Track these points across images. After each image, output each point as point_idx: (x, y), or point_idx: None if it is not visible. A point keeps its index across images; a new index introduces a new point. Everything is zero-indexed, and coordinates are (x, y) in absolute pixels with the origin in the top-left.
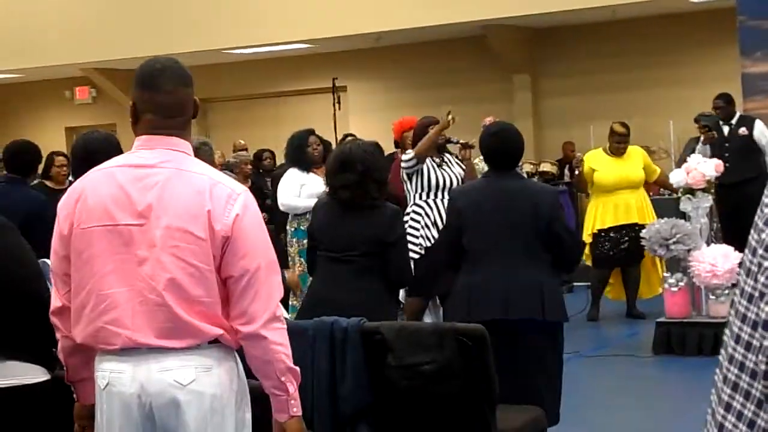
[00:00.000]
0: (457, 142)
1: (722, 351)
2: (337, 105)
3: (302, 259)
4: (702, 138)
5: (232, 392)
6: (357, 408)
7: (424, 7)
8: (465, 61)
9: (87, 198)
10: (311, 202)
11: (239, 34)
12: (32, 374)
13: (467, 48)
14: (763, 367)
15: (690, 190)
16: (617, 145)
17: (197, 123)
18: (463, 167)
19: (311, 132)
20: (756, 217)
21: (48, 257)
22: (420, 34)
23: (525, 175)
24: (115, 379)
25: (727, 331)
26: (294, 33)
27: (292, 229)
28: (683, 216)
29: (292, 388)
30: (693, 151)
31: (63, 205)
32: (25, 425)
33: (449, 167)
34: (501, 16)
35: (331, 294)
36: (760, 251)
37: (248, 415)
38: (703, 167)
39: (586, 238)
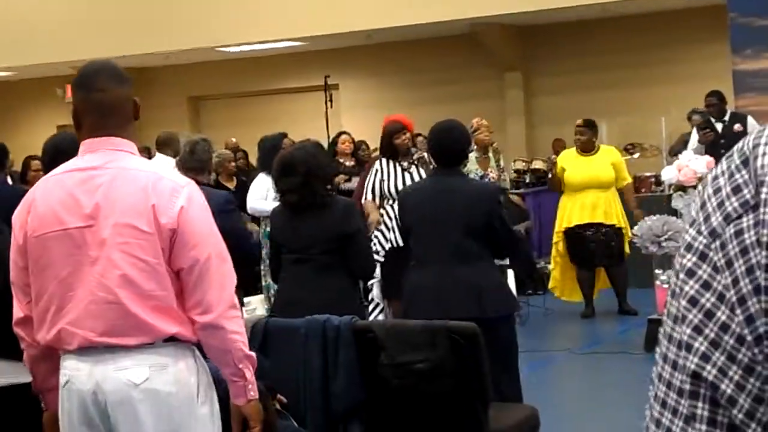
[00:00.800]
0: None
1: (653, 369)
2: (329, 103)
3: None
4: (699, 137)
5: (191, 389)
6: (349, 406)
7: (415, 5)
8: (457, 58)
9: (38, 206)
10: (269, 206)
11: (232, 31)
12: (22, 374)
13: (459, 45)
14: (687, 387)
15: (682, 187)
16: (576, 137)
17: (188, 120)
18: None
19: (284, 135)
20: (680, 241)
21: None
22: (412, 31)
23: (502, 173)
24: (74, 377)
25: (657, 349)
26: (286, 30)
27: (264, 231)
28: (675, 213)
29: (249, 373)
30: (685, 144)
31: (16, 215)
32: (15, 424)
33: (417, 172)
34: (492, 14)
35: (297, 295)
36: (681, 275)
37: (215, 408)
38: (695, 164)
39: (555, 236)
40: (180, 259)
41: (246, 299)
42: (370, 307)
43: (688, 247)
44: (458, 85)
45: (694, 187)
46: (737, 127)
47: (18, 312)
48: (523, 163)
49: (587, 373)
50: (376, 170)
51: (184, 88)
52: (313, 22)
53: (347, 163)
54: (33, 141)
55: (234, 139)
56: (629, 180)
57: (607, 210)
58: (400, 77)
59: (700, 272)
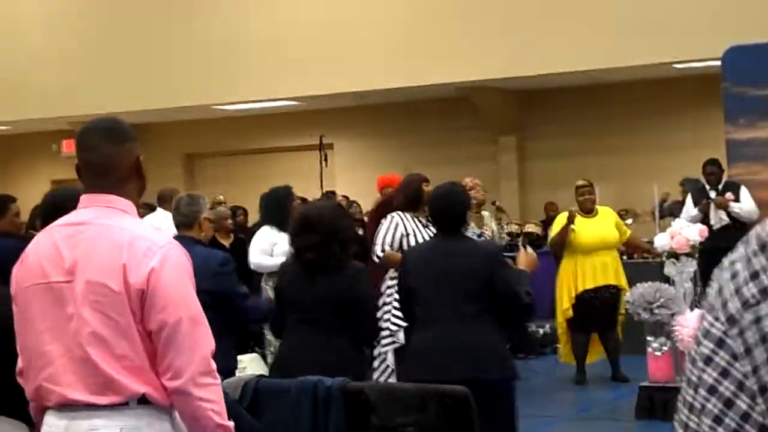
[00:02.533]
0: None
1: None
2: (324, 162)
3: None
4: (699, 206)
5: None
6: None
7: (411, 68)
8: (451, 121)
9: (28, 258)
10: (277, 261)
11: (228, 89)
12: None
13: (453, 108)
14: None
15: (674, 254)
16: (582, 198)
17: (184, 177)
18: None
19: (290, 188)
20: (697, 329)
21: None
22: (407, 93)
23: (492, 235)
24: None
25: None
26: (282, 90)
27: (268, 287)
28: (667, 280)
29: None
30: (673, 211)
31: (15, 267)
32: None
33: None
34: (487, 78)
35: (299, 355)
36: (700, 363)
37: None
38: (688, 231)
39: (569, 301)
40: (149, 321)
41: (238, 357)
42: (384, 375)
43: (706, 334)
44: (452, 148)
45: (687, 254)
46: (729, 195)
47: (19, 362)
48: (516, 227)
49: None
50: (397, 223)
51: (180, 145)
52: (308, 82)
53: None
54: (28, 195)
55: (221, 196)
56: (628, 231)
57: (616, 270)
58: (394, 138)
59: (717, 359)
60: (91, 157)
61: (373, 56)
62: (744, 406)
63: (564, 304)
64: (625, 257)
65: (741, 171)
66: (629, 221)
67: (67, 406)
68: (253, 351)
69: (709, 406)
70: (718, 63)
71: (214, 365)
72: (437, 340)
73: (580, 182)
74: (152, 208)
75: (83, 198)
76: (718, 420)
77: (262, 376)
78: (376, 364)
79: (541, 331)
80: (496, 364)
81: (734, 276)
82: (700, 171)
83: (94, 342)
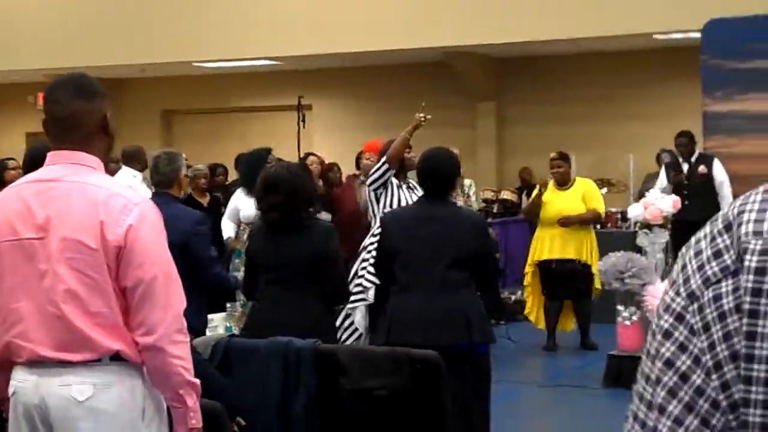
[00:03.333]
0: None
1: (624, 425)
2: (301, 123)
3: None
4: (669, 177)
5: (135, 411)
6: (309, 430)
7: (392, 31)
8: (430, 86)
9: None
10: (229, 233)
11: (208, 47)
12: None
13: (433, 73)
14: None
15: (647, 225)
16: (552, 171)
17: (161, 134)
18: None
19: (269, 150)
20: (657, 304)
21: None
22: (387, 57)
23: (475, 202)
24: (21, 389)
25: (630, 404)
26: (263, 49)
27: (234, 251)
28: (639, 250)
29: (191, 400)
30: (650, 187)
31: None
32: None
33: (414, 191)
34: (467, 44)
35: (271, 316)
36: (658, 337)
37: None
38: (661, 203)
39: (527, 268)
40: (125, 278)
41: (209, 316)
42: (347, 333)
43: (666, 308)
44: (431, 113)
45: (660, 225)
46: (702, 168)
47: None
48: (492, 193)
49: (546, 407)
50: (398, 186)
51: (158, 101)
52: (290, 42)
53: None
54: (2, 147)
55: (184, 155)
56: (599, 209)
57: (578, 246)
58: (373, 101)
59: (676, 334)
60: (58, 111)
61: (355, 19)
62: (699, 381)
63: (526, 267)
64: (598, 227)
65: (717, 144)
66: (604, 191)
67: (38, 363)
68: (224, 309)
69: (665, 378)
70: (698, 35)
71: (184, 322)
72: (428, 305)
73: (553, 155)
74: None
75: (50, 155)
76: (672, 393)
77: (232, 335)
78: (340, 320)
79: (513, 297)
80: (481, 329)
81: (698, 254)
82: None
83: (69, 299)
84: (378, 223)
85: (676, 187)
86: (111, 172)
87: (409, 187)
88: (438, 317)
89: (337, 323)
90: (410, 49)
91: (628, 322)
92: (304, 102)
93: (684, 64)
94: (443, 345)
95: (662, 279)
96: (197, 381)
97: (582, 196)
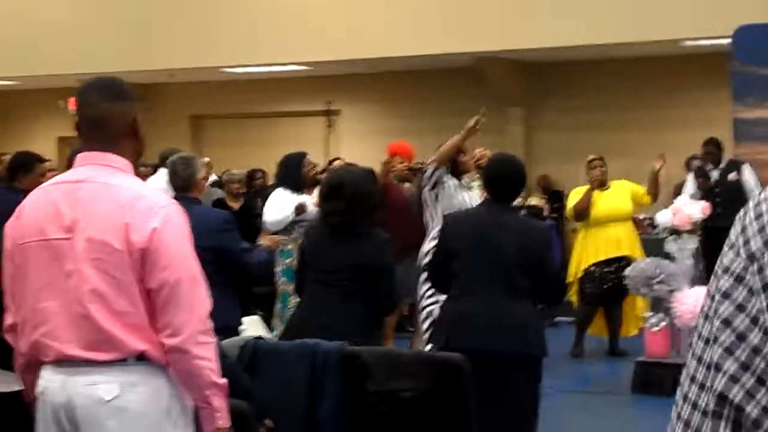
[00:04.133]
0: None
1: (678, 390)
2: (330, 128)
3: (286, 279)
4: (697, 184)
5: (160, 410)
6: None
7: (421, 36)
8: (459, 91)
9: (24, 214)
10: (286, 212)
11: (236, 52)
12: (10, 383)
13: (462, 78)
14: (711, 407)
15: (676, 231)
16: (594, 170)
17: (190, 138)
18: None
19: (305, 154)
20: (716, 265)
21: None
22: (416, 62)
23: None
24: (48, 388)
25: (684, 371)
26: (291, 55)
27: (281, 269)
28: (668, 256)
29: (218, 401)
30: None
31: (8, 223)
32: None
33: (469, 190)
34: (497, 49)
35: (316, 317)
36: (717, 296)
37: None
38: (690, 209)
39: (578, 273)
40: (150, 280)
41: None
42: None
43: (725, 269)
44: (459, 118)
45: (689, 231)
46: (732, 176)
47: (8, 319)
48: (520, 199)
49: (573, 413)
50: (457, 186)
51: (187, 106)
52: (318, 47)
53: None
54: (36, 151)
55: (207, 158)
56: (647, 197)
57: (630, 242)
58: (402, 106)
59: (735, 294)
60: (87, 113)
61: (384, 24)
62: (756, 341)
63: (579, 274)
64: None
65: (747, 150)
66: None
67: (65, 362)
68: (254, 313)
69: (723, 337)
70: (728, 41)
71: (210, 324)
72: (492, 310)
73: (591, 156)
74: (156, 169)
75: (80, 156)
76: (729, 351)
77: (260, 337)
78: (421, 318)
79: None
80: (539, 339)
81: (758, 216)
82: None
83: (95, 299)
84: (438, 224)
85: (705, 194)
86: (141, 176)
87: (466, 187)
88: (501, 323)
89: (420, 322)
90: (439, 55)
91: (656, 329)
92: (332, 107)
93: (714, 71)
94: (501, 351)
95: (690, 285)
96: (224, 381)
97: (629, 193)
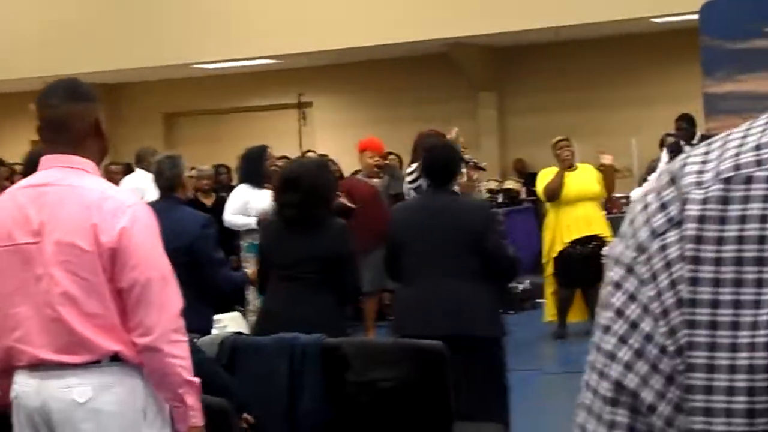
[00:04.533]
0: (470, 162)
1: (582, 378)
2: (302, 121)
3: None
4: (669, 160)
5: (136, 411)
6: (316, 424)
7: (390, 24)
8: (431, 78)
9: None
10: (249, 220)
11: (206, 48)
12: None
13: (433, 65)
14: (610, 394)
15: None
16: (560, 151)
17: (163, 136)
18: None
19: (266, 147)
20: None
21: None
22: (386, 50)
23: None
24: (22, 392)
25: (587, 358)
26: (260, 48)
27: (246, 245)
28: None
29: (191, 399)
30: (653, 171)
31: None
32: None
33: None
34: (466, 34)
35: (283, 311)
36: (609, 287)
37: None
38: None
39: (552, 253)
40: (120, 279)
41: (217, 317)
42: None
43: (616, 261)
44: (432, 105)
45: None
46: None
47: None
48: (496, 183)
49: (559, 394)
50: None
51: (159, 104)
52: (287, 40)
53: None
54: (6, 156)
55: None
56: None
57: (601, 223)
58: (374, 96)
59: (627, 285)
60: (49, 115)
61: (352, 13)
62: (648, 328)
63: (551, 254)
64: (605, 212)
65: (718, 125)
66: None
67: (39, 366)
68: (234, 310)
69: (616, 327)
70: (696, 17)
71: (182, 322)
72: (427, 295)
73: (558, 137)
74: (130, 169)
75: (44, 159)
76: (622, 340)
77: (239, 333)
78: None
79: (520, 286)
80: (486, 320)
81: (645, 207)
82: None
83: (65, 301)
84: None
85: None
86: (112, 175)
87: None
88: (443, 307)
89: None
90: (409, 42)
91: None
92: (304, 99)
93: (683, 47)
94: (440, 336)
95: None
96: (196, 380)
97: (595, 177)
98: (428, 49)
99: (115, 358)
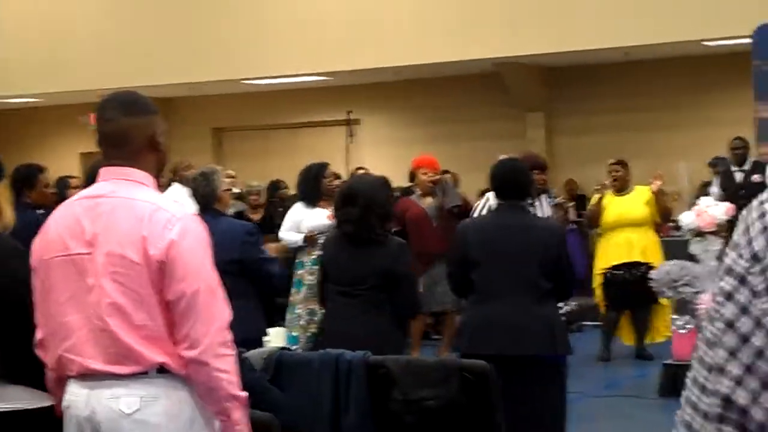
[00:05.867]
0: (555, 200)
1: (683, 394)
2: (350, 137)
3: (296, 289)
4: (720, 184)
5: (182, 422)
6: None
7: (439, 43)
8: (479, 97)
9: (49, 230)
10: (298, 237)
11: (256, 64)
12: (35, 399)
13: (482, 84)
14: (716, 410)
15: (700, 233)
16: (612, 176)
17: (212, 151)
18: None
19: (326, 165)
20: (720, 268)
21: None
22: (435, 69)
23: (567, 207)
24: (73, 402)
25: (688, 374)
26: (310, 65)
27: (298, 261)
28: (692, 258)
29: (237, 414)
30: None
31: (35, 240)
32: None
33: (539, 210)
34: (516, 54)
35: (339, 327)
36: (719, 298)
37: None
38: (714, 210)
39: (597, 277)
40: (168, 292)
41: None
42: None
43: (728, 270)
44: (480, 124)
45: (713, 233)
46: (756, 177)
47: (38, 334)
48: None
49: (601, 417)
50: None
51: (208, 119)
52: (337, 57)
53: None
54: (57, 168)
55: (231, 171)
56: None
57: (644, 248)
58: (422, 114)
59: (738, 296)
60: (107, 128)
61: (402, 32)
62: (758, 343)
63: (594, 281)
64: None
65: None
66: None
67: (89, 376)
68: (278, 324)
69: (725, 338)
70: (748, 41)
71: (230, 336)
72: (516, 313)
73: (611, 160)
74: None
75: (102, 171)
76: (732, 354)
77: (284, 348)
78: None
79: (566, 308)
80: (565, 339)
81: (762, 216)
82: (728, 150)
83: (114, 312)
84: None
85: (729, 196)
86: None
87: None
88: (523, 326)
89: None
90: (458, 61)
91: (682, 331)
92: (352, 116)
93: (735, 70)
94: (529, 354)
95: None
96: (244, 394)
97: (646, 201)
98: (476, 69)
99: (162, 370)
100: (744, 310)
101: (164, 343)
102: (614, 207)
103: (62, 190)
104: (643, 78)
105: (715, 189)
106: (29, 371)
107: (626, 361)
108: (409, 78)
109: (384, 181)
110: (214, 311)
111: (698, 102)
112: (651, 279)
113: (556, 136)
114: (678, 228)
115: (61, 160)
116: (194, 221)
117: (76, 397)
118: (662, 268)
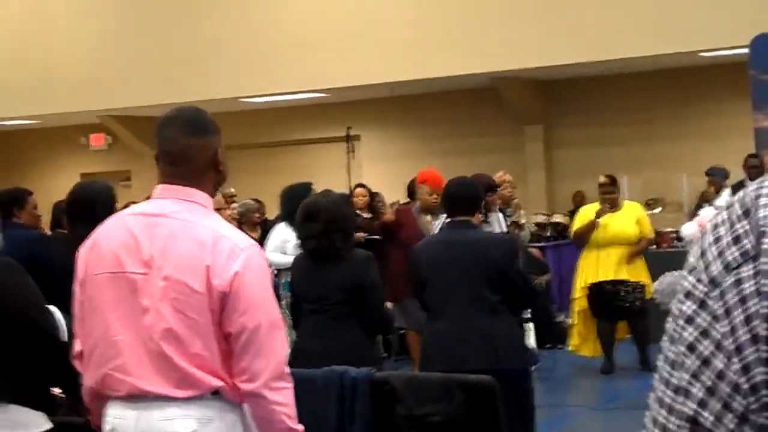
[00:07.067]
0: (511, 218)
1: (647, 413)
2: (351, 154)
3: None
4: (712, 191)
5: None
6: None
7: (437, 58)
8: (478, 111)
9: (100, 245)
10: (287, 259)
11: (255, 82)
12: (35, 424)
13: (480, 99)
14: (684, 431)
15: None
16: (602, 196)
17: None
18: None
19: (311, 185)
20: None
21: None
22: (433, 84)
23: (524, 225)
24: (119, 424)
25: (651, 393)
26: (309, 82)
27: (283, 281)
28: None
29: None
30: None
31: (81, 251)
32: None
33: (495, 227)
34: (513, 68)
35: (310, 345)
36: (681, 321)
37: None
38: None
39: (578, 292)
40: (229, 324)
41: None
42: None
43: (688, 294)
44: (479, 138)
45: None
46: None
47: (77, 345)
48: (544, 217)
49: (604, 430)
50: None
51: None
52: (336, 74)
53: (364, 215)
54: (57, 189)
55: (232, 190)
56: (650, 235)
57: (630, 269)
58: (421, 129)
59: (699, 320)
60: (168, 147)
61: (399, 48)
62: (720, 365)
63: (575, 293)
64: (654, 246)
65: None
66: (658, 210)
67: (139, 397)
68: None
69: (688, 362)
70: (746, 51)
71: (288, 369)
72: (456, 329)
73: (602, 179)
74: None
75: (160, 188)
76: (695, 376)
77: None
78: None
79: (569, 321)
80: (512, 353)
81: (717, 240)
82: (727, 160)
83: (169, 338)
84: None
85: None
86: None
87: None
88: (466, 340)
89: None
90: (456, 76)
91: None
92: (352, 133)
93: (732, 81)
94: (469, 370)
95: None
96: (300, 427)
97: (636, 219)
98: (474, 83)
99: (216, 392)
100: (705, 333)
101: (218, 372)
102: (609, 225)
103: (58, 213)
104: (641, 90)
105: (722, 200)
106: (25, 385)
107: (629, 373)
108: (407, 93)
109: (344, 197)
110: (274, 345)
111: (696, 113)
112: (640, 293)
113: (554, 149)
114: (680, 239)
115: (62, 181)
116: (257, 252)
117: (123, 419)
118: (664, 279)
